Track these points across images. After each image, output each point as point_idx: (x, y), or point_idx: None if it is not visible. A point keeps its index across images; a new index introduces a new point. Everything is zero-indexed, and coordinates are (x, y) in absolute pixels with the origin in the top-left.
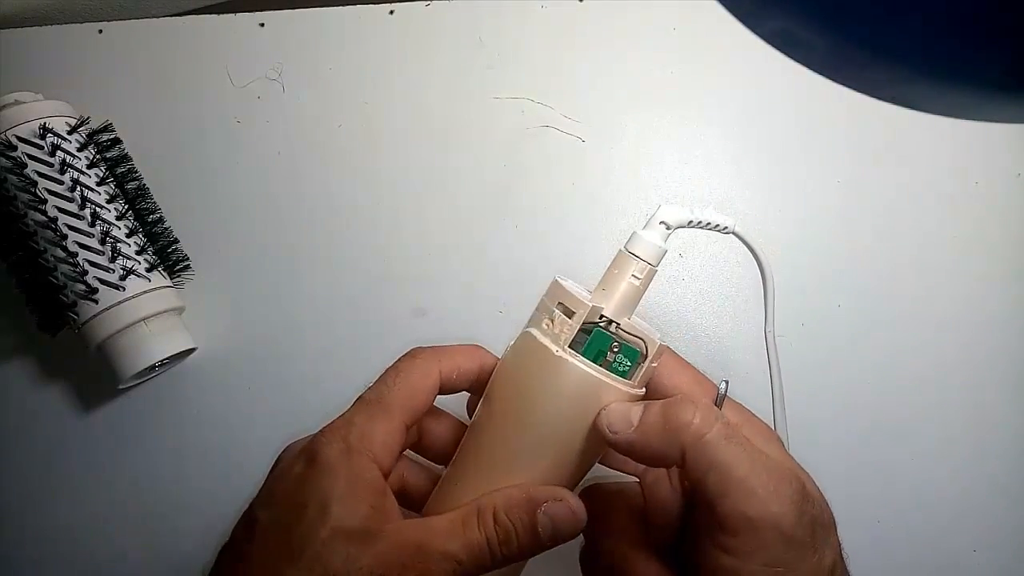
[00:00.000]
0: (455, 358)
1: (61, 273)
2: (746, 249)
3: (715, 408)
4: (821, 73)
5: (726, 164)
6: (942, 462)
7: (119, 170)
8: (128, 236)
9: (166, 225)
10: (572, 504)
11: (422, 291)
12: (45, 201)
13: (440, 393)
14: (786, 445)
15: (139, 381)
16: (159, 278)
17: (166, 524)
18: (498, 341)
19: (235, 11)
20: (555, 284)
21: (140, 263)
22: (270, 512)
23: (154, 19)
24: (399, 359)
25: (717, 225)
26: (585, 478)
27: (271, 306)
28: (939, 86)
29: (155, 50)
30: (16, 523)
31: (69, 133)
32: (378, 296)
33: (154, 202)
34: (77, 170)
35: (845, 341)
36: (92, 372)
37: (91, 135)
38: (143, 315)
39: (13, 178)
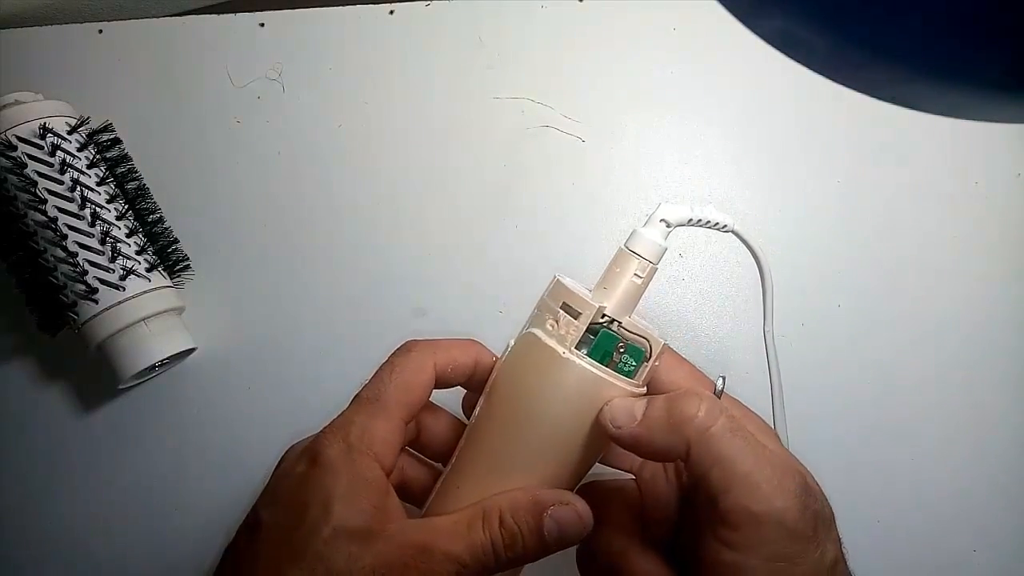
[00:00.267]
0: (450, 351)
1: (61, 273)
2: (746, 249)
3: (719, 402)
4: (821, 73)
5: (726, 164)
6: (942, 462)
7: (119, 170)
8: (128, 236)
9: (166, 225)
10: (579, 508)
11: (422, 291)
12: (45, 201)
13: (435, 387)
14: (785, 444)
15: (139, 381)
16: (159, 278)
17: (166, 524)
18: (498, 341)
19: (235, 11)
20: (557, 283)
21: (140, 263)
22: (272, 512)
23: (154, 19)
24: (393, 353)
25: (716, 223)
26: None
27: (271, 306)
28: (939, 86)
29: (155, 50)
30: (16, 523)
31: (69, 133)
32: (378, 296)
33: (154, 202)
34: (77, 170)
35: (845, 341)
36: (92, 372)
37: (91, 135)
38: (143, 315)
39: (13, 178)
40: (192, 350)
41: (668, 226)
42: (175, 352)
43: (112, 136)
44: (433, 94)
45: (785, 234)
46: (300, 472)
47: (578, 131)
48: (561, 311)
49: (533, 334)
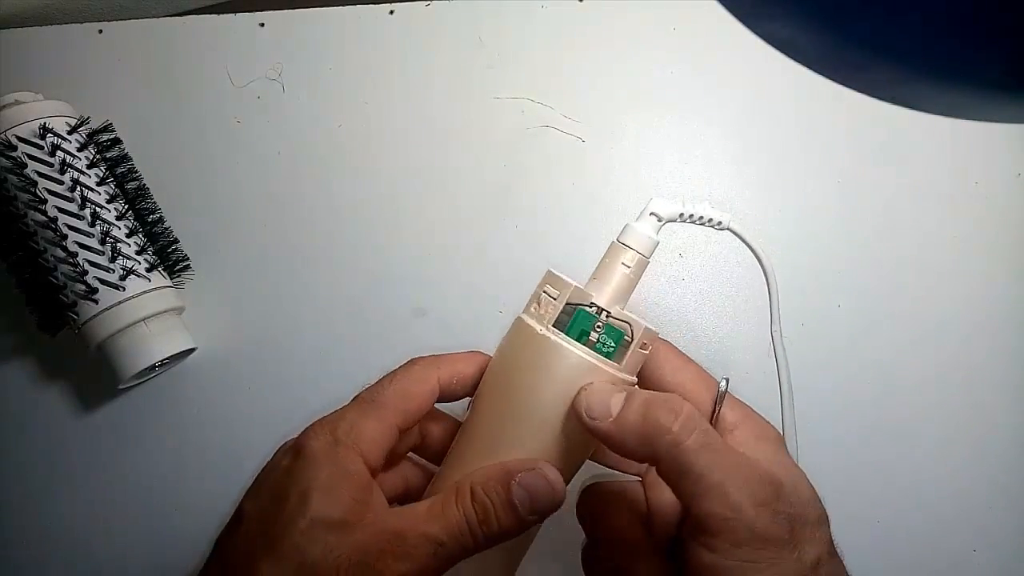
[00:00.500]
0: (454, 364)
1: (61, 273)
2: (747, 248)
3: (696, 414)
4: (821, 73)
5: (726, 164)
6: (942, 462)
7: (119, 170)
8: (128, 236)
9: (166, 225)
10: (548, 474)
11: (422, 291)
12: (45, 201)
13: (442, 400)
14: (795, 445)
15: (139, 381)
16: (159, 278)
17: (166, 524)
18: (498, 341)
19: (235, 11)
20: (547, 273)
21: (140, 263)
22: (255, 504)
23: (154, 19)
24: (400, 366)
25: (711, 220)
26: (589, 477)
27: (271, 306)
28: (939, 86)
29: (155, 50)
30: (16, 523)
31: (69, 133)
32: (378, 296)
33: (154, 202)
34: (77, 170)
35: (845, 341)
36: (92, 372)
37: (91, 135)
38: (143, 315)
39: (13, 178)
40: (192, 350)
41: (659, 220)
42: (175, 352)
43: (112, 136)
44: (433, 94)
45: (785, 234)
46: (284, 465)
47: (578, 131)
48: (543, 293)
49: (518, 317)
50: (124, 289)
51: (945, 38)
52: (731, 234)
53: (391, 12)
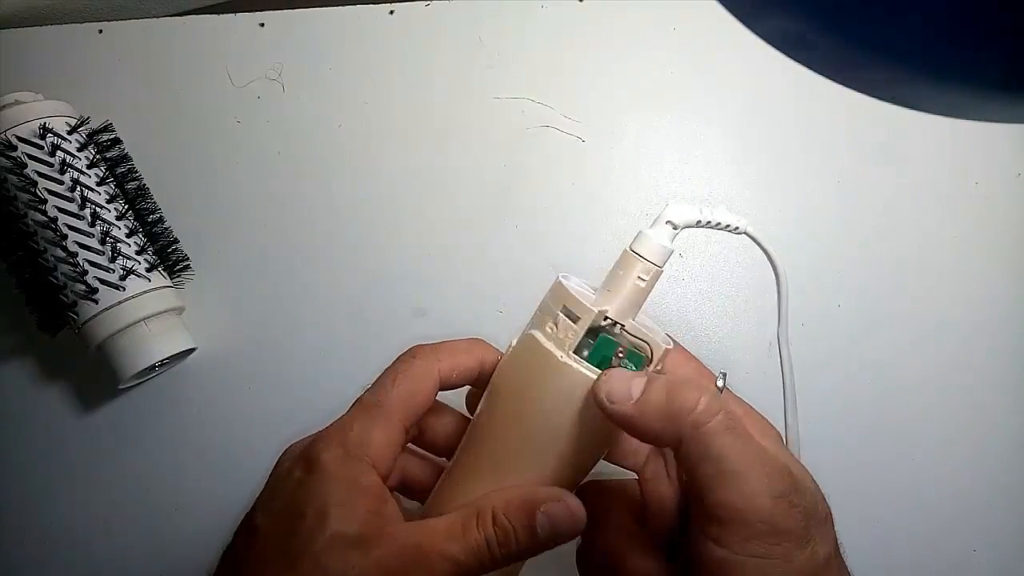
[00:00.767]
0: (455, 356)
1: (61, 273)
2: (747, 249)
3: (720, 396)
4: (821, 73)
5: (726, 164)
6: (942, 462)
7: (119, 170)
8: (128, 236)
9: (166, 225)
10: (571, 505)
11: (422, 291)
12: (45, 201)
13: (440, 390)
14: (798, 448)
15: (139, 381)
16: (159, 278)
17: (166, 524)
18: (498, 341)
19: (235, 11)
20: (558, 285)
21: (140, 263)
22: (269, 518)
23: (154, 19)
24: (398, 359)
25: (728, 225)
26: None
27: (271, 306)
28: (939, 86)
29: (155, 50)
30: (16, 523)
31: (69, 133)
32: (378, 296)
33: (154, 202)
34: (77, 170)
35: (845, 341)
36: (92, 372)
37: (91, 135)
38: (143, 315)
39: (13, 178)
40: (192, 350)
41: (675, 228)
42: (175, 352)
43: (112, 136)
44: (433, 94)
45: (785, 234)
46: (297, 478)
47: (578, 131)
48: (561, 314)
49: (533, 336)
50: (124, 289)
51: (945, 38)
52: (733, 235)
53: (391, 12)
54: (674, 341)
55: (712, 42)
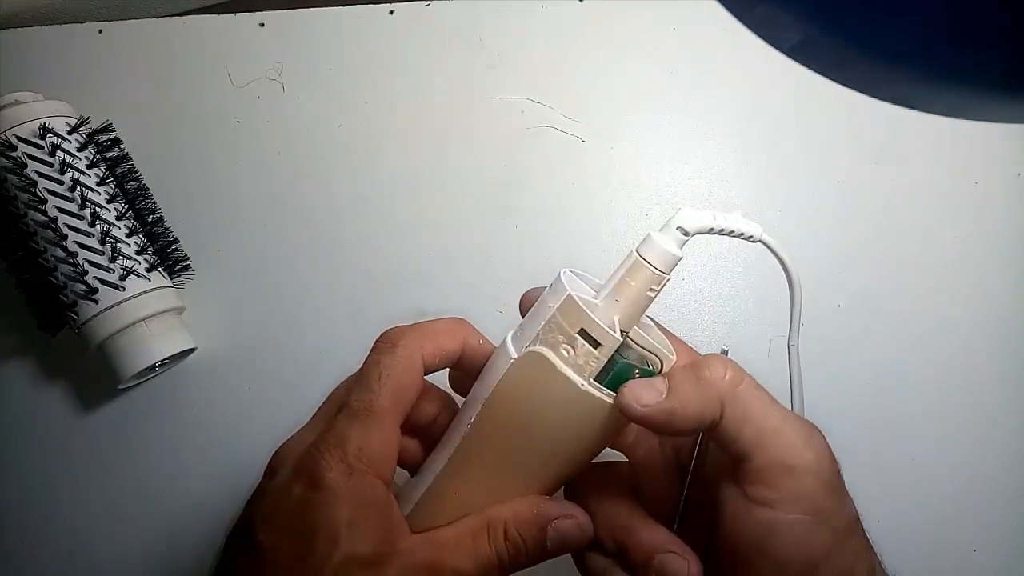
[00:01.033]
0: (437, 340)
1: (61, 273)
2: (748, 249)
3: (737, 364)
4: (821, 73)
5: (726, 164)
6: (942, 462)
7: (119, 170)
8: (128, 236)
9: (166, 225)
10: (580, 519)
11: (422, 291)
12: (45, 201)
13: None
14: None
15: (139, 381)
16: (159, 278)
17: (166, 524)
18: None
19: (235, 11)
20: (570, 301)
21: (140, 263)
22: (274, 538)
23: (154, 19)
24: (377, 349)
25: (742, 233)
26: None
27: (271, 306)
28: (939, 86)
29: (155, 50)
30: (16, 523)
31: (69, 133)
32: (378, 296)
33: (154, 202)
34: (77, 170)
35: (845, 341)
36: (92, 372)
37: (91, 135)
38: (143, 315)
39: (13, 178)
40: (192, 350)
41: (686, 234)
42: (175, 352)
43: (112, 136)
44: (433, 94)
45: (785, 234)
46: (299, 495)
47: (578, 131)
48: (579, 338)
49: (545, 358)
50: (124, 289)
51: (945, 38)
52: (751, 243)
53: (391, 12)
54: (656, 324)
55: (712, 42)
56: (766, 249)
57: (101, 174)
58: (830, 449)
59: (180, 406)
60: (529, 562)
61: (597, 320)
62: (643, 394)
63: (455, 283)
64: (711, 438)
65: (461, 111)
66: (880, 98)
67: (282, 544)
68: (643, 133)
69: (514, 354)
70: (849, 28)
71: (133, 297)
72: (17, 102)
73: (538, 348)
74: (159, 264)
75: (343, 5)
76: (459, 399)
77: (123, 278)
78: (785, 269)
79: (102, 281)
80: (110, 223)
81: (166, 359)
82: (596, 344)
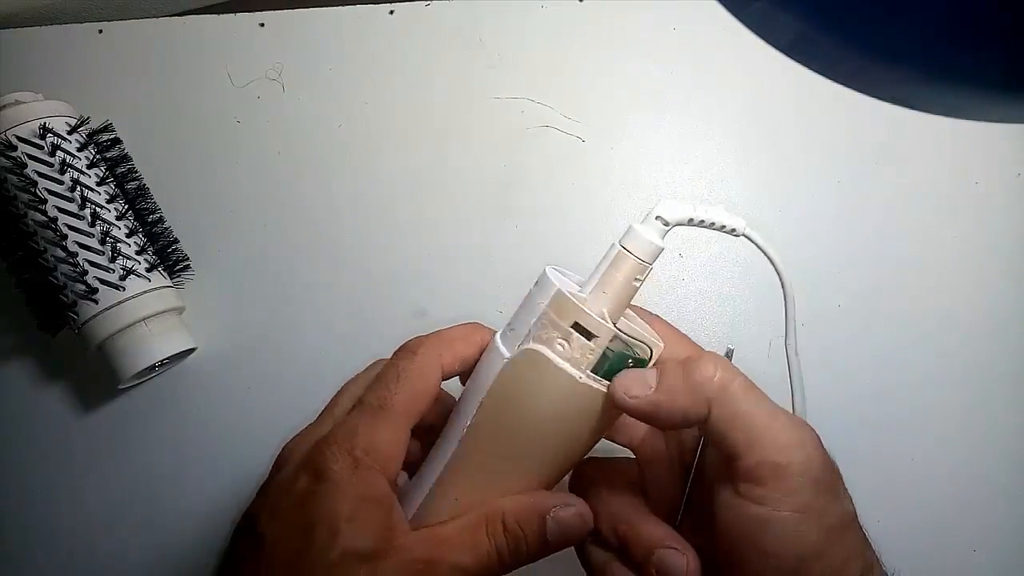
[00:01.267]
0: (454, 348)
1: (61, 273)
2: (748, 248)
3: (731, 364)
4: (821, 73)
5: (726, 164)
6: (942, 462)
7: (119, 170)
8: (128, 236)
9: (166, 225)
10: (580, 509)
11: (422, 291)
12: (45, 201)
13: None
14: None
15: (139, 381)
16: (159, 278)
17: (166, 524)
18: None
19: (235, 11)
20: (561, 296)
21: (140, 263)
22: (275, 529)
23: (154, 19)
24: (397, 354)
25: (724, 226)
26: None
27: (271, 306)
28: (940, 87)
29: (155, 50)
30: (16, 523)
31: (69, 133)
32: (378, 296)
33: (154, 202)
34: (77, 170)
35: (845, 341)
36: (92, 372)
37: (91, 135)
38: (143, 315)
39: (13, 178)
40: (192, 350)
41: (666, 224)
42: (175, 352)
43: (112, 136)
44: (433, 94)
45: (785, 234)
46: (303, 488)
47: (578, 131)
48: (573, 332)
49: (541, 354)
50: (124, 289)
51: (945, 39)
52: (734, 237)
53: (391, 12)
54: (664, 321)
55: (712, 42)
56: (785, 270)
57: (101, 174)
58: (822, 447)
59: (180, 406)
60: (530, 557)
61: (590, 312)
62: (633, 386)
63: (455, 283)
64: (704, 435)
65: (461, 111)
66: (880, 98)
67: (283, 536)
68: (643, 133)
69: (507, 353)
70: (850, 29)
71: (133, 297)
72: (17, 102)
73: (534, 346)
74: (159, 264)
75: (343, 5)
76: None
77: (123, 278)
78: (773, 265)
79: (102, 281)
80: (110, 223)
81: (166, 359)
82: (590, 336)
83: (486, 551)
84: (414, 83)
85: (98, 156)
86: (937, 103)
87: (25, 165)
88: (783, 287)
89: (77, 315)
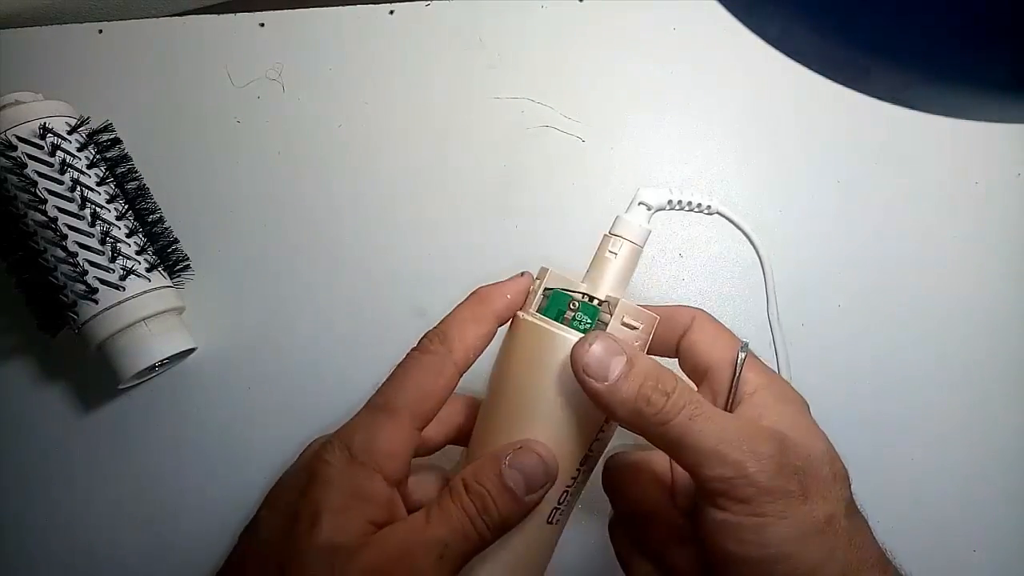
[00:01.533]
0: (465, 339)
1: (61, 273)
2: (748, 249)
3: (687, 391)
4: (822, 74)
5: (726, 164)
6: (942, 462)
7: (119, 170)
8: (128, 236)
9: (166, 225)
10: (537, 449)
11: (422, 291)
12: (45, 201)
13: (463, 371)
14: None
15: (139, 381)
16: (159, 278)
17: (166, 523)
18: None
19: (235, 11)
20: (540, 268)
21: (140, 263)
22: (270, 515)
23: (154, 19)
24: (409, 353)
25: (699, 205)
26: (614, 447)
27: (271, 306)
28: (943, 88)
29: (155, 50)
30: (16, 523)
31: (69, 133)
32: (378, 296)
33: (154, 202)
34: (77, 170)
35: (845, 341)
36: (92, 372)
37: (91, 135)
38: (143, 315)
39: (13, 178)
40: (192, 350)
41: (648, 209)
42: (175, 352)
43: (112, 136)
44: (433, 94)
45: (785, 234)
46: (301, 480)
47: (578, 131)
48: (539, 292)
49: (516, 315)
50: (124, 289)
51: (949, 40)
52: (736, 235)
53: (391, 12)
54: (706, 313)
55: (712, 42)
56: (757, 238)
57: (101, 174)
58: (787, 452)
59: (180, 406)
60: (505, 514)
61: (551, 270)
62: (592, 364)
63: (455, 283)
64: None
65: (461, 111)
66: (880, 98)
67: (274, 521)
68: (643, 133)
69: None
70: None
71: (133, 297)
72: (17, 102)
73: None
74: (159, 264)
75: (343, 5)
76: None
77: (123, 278)
78: (748, 238)
79: (102, 281)
80: (110, 223)
81: (166, 359)
82: (546, 291)
83: (456, 518)
84: (414, 83)
85: (98, 156)
86: (939, 104)
87: (25, 165)
88: (760, 259)
89: (77, 315)
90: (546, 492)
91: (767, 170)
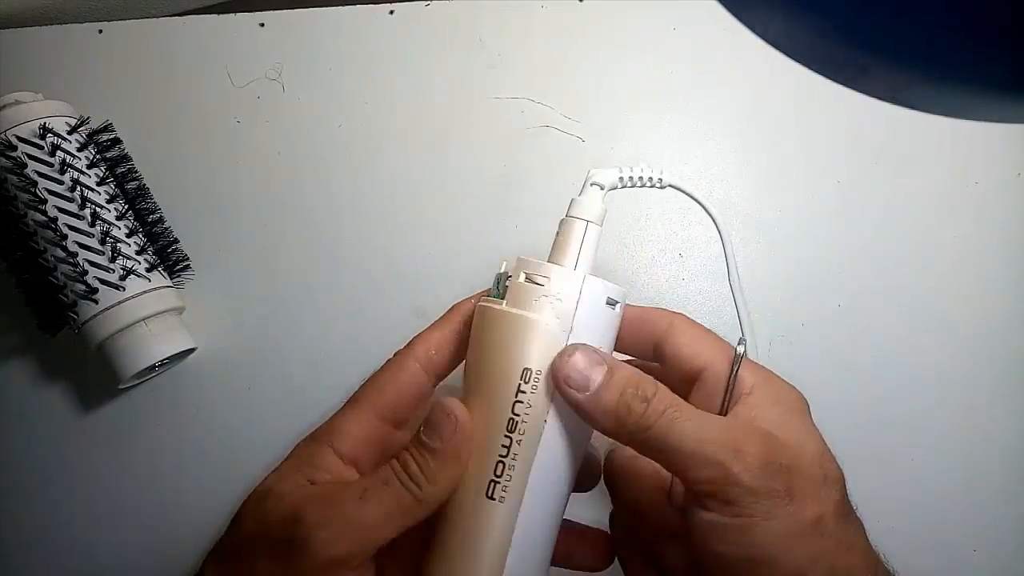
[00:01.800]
0: (428, 337)
1: (61, 273)
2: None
3: (667, 395)
4: (821, 73)
5: (726, 164)
6: (942, 462)
7: (119, 170)
8: (128, 236)
9: (166, 225)
10: (440, 400)
11: (422, 291)
12: (45, 201)
13: (439, 373)
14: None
15: (139, 381)
16: (159, 278)
17: (166, 524)
18: None
19: (235, 11)
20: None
21: (140, 263)
22: (241, 513)
23: (154, 19)
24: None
25: (651, 179)
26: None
27: (271, 306)
28: (944, 88)
29: (155, 50)
30: (16, 523)
31: (69, 133)
32: (378, 296)
33: (154, 202)
34: (77, 170)
35: (845, 341)
36: (92, 372)
37: (91, 135)
38: (143, 315)
39: (13, 178)
40: (192, 350)
41: (602, 188)
42: (175, 352)
43: (112, 136)
44: (433, 94)
45: (785, 234)
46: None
47: (578, 131)
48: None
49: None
50: (124, 289)
51: (949, 40)
52: (660, 189)
53: (391, 12)
54: (685, 316)
55: (712, 42)
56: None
57: (101, 174)
58: (774, 451)
59: (180, 406)
60: (419, 463)
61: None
62: (573, 376)
63: (455, 283)
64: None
65: (461, 111)
66: (880, 98)
67: (240, 520)
68: (643, 133)
69: None
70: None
71: (133, 297)
72: (17, 102)
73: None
74: (159, 264)
75: (343, 5)
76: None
77: (123, 278)
78: (704, 208)
79: (102, 281)
80: (110, 223)
81: (166, 359)
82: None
83: (382, 472)
84: (414, 83)
85: (98, 156)
86: (939, 103)
87: (25, 165)
88: (717, 228)
89: (77, 315)
90: (459, 443)
91: (767, 170)
